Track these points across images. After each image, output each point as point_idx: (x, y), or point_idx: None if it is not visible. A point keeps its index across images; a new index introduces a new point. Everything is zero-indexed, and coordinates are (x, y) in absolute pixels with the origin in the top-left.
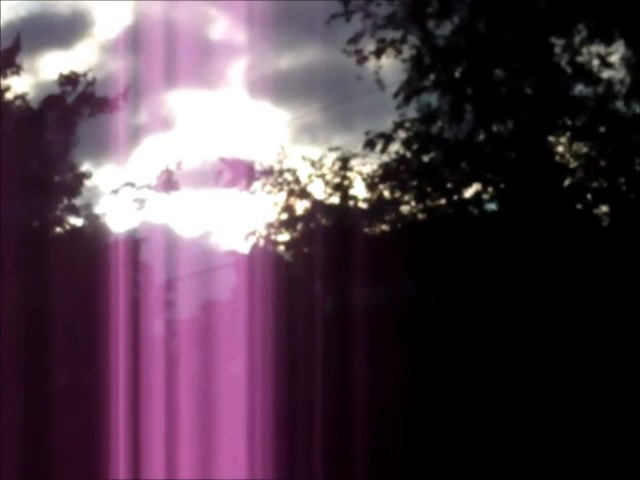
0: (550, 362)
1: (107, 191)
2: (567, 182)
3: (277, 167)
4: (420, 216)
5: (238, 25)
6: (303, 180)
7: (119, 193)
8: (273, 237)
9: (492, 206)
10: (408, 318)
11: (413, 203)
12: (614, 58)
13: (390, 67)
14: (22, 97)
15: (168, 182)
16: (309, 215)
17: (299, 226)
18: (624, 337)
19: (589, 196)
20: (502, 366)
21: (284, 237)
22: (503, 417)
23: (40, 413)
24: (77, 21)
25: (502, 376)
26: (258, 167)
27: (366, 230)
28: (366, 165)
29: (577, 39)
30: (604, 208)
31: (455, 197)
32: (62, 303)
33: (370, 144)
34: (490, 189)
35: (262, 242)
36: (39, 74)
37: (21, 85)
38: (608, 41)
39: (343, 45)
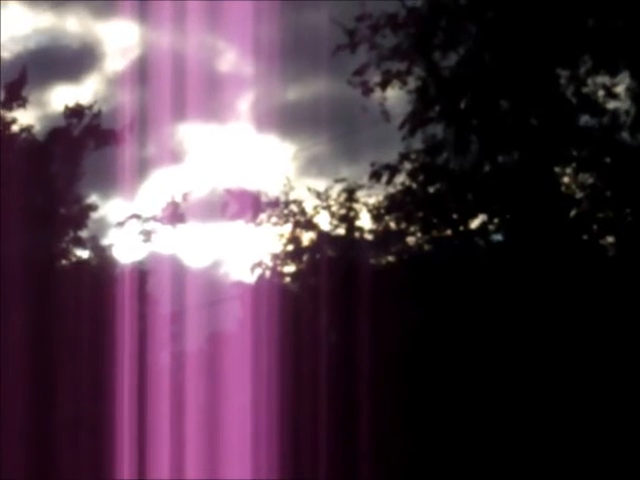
0: (556, 392)
1: (114, 223)
2: (573, 213)
3: (283, 199)
4: (426, 247)
5: (245, 58)
6: (309, 212)
7: (125, 225)
8: (279, 268)
9: (498, 237)
10: (414, 350)
11: (419, 234)
12: (619, 89)
13: (395, 98)
14: (28, 130)
15: (174, 214)
16: (315, 246)
17: (305, 257)
18: (629, 365)
19: (595, 227)
20: (509, 395)
21: (290, 268)
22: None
23: (45, 444)
24: (85, 54)
25: (506, 398)
26: (264, 199)
27: (372, 261)
28: (372, 196)
29: (582, 70)
30: (610, 239)
31: (461, 228)
32: (68, 335)
33: (376, 175)
34: (496, 220)
35: (268, 273)
36: (46, 107)
37: (27, 118)
38: (613, 72)
39: (349, 77)
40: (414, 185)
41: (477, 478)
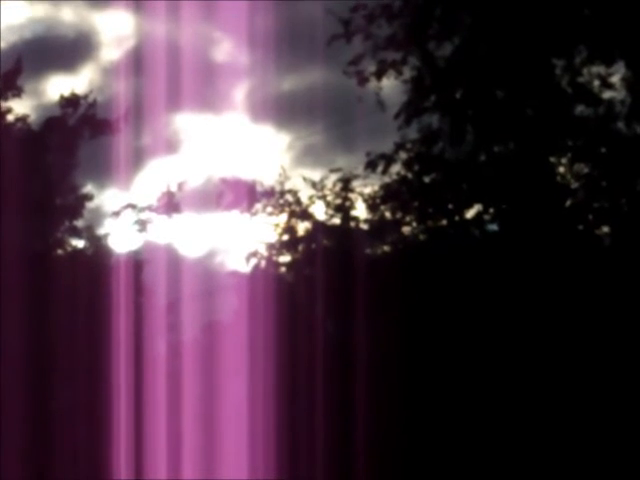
0: (551, 383)
1: (109, 213)
2: (568, 203)
3: (278, 188)
4: (421, 237)
5: (240, 48)
6: (304, 201)
7: (121, 215)
8: (274, 258)
9: (493, 227)
10: (410, 339)
11: (414, 224)
12: (615, 79)
13: (391, 88)
14: (23, 119)
15: (170, 204)
16: (310, 236)
17: (300, 247)
18: (625, 355)
19: (590, 216)
20: (505, 382)
21: (285, 258)
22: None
23: (41, 433)
24: (81, 43)
25: (502, 386)
26: (259, 188)
27: (368, 251)
28: (367, 186)
29: (578, 60)
30: (605, 228)
31: (456, 218)
32: (64, 325)
33: (371, 165)
34: (491, 210)
35: (263, 263)
36: (42, 96)
37: (23, 107)
38: (609, 62)
39: (344, 66)
40: (409, 175)
41: (472, 470)
